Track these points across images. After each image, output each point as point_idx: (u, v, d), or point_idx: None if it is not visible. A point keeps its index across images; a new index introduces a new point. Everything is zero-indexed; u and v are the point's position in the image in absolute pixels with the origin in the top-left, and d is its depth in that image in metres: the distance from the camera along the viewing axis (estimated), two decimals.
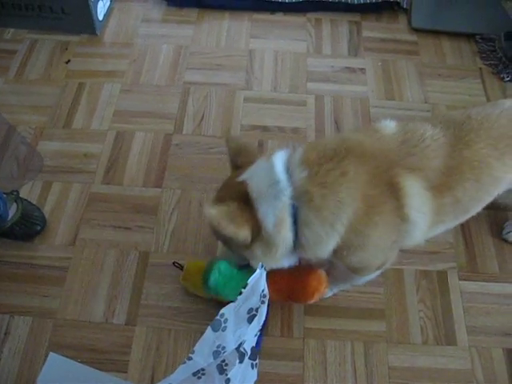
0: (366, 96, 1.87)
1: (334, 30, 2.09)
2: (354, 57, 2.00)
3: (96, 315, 1.38)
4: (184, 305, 1.41)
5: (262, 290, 0.94)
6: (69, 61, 1.95)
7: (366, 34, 2.08)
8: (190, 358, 0.91)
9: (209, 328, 0.92)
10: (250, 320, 0.94)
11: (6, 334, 1.36)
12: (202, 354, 0.92)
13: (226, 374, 0.93)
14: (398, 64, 1.98)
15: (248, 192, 1.02)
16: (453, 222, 1.24)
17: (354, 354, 1.35)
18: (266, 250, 1.05)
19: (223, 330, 0.93)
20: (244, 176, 1.05)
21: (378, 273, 1.28)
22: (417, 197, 1.04)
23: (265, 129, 1.74)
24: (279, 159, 1.04)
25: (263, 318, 0.94)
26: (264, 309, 0.94)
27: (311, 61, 1.97)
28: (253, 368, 0.90)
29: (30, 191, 1.60)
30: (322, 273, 1.31)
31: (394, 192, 1.02)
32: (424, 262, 1.49)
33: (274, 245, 1.04)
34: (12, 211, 1.48)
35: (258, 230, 1.02)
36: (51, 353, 1.02)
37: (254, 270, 1.08)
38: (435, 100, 1.87)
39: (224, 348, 0.94)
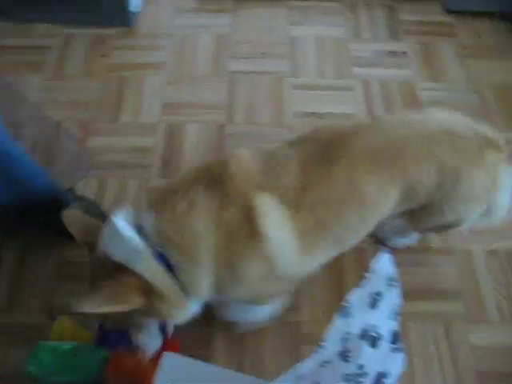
0: (411, 79, 1.86)
1: (370, 14, 2.07)
2: (394, 41, 1.98)
3: None
4: None
5: (389, 274, 0.92)
6: (105, 55, 1.91)
7: (402, 17, 2.07)
8: (321, 346, 0.89)
9: (336, 315, 0.91)
10: (372, 304, 0.92)
11: None
12: (332, 342, 0.91)
13: (348, 361, 0.92)
14: (438, 46, 1.97)
15: (116, 261, 0.94)
16: (332, 251, 1.11)
17: (435, 335, 1.34)
18: (164, 303, 0.98)
19: (349, 316, 0.92)
20: (102, 250, 0.96)
21: (277, 306, 1.25)
22: (272, 214, 0.97)
23: (317, 115, 1.72)
24: (120, 218, 0.96)
25: (394, 302, 0.93)
26: (394, 293, 0.93)
27: (353, 46, 1.95)
28: (394, 352, 0.88)
29: (84, 189, 1.57)
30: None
31: (248, 214, 0.96)
32: (491, 240, 1.49)
33: (165, 295, 0.96)
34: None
35: (148, 288, 0.94)
36: (165, 352, 1.00)
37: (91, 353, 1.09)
38: (479, 80, 1.87)
39: (349, 334, 0.92)
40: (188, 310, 1.03)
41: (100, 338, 1.17)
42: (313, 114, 1.72)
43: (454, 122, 1.10)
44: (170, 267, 0.94)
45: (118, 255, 0.93)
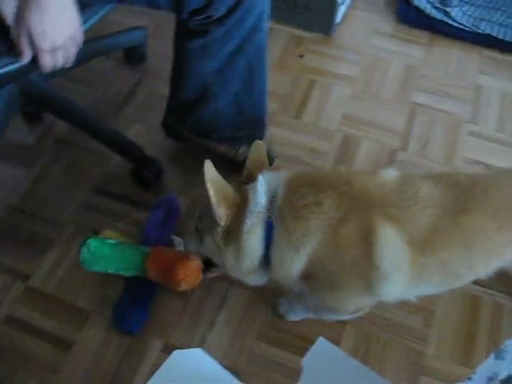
0: None
1: None
2: None
3: None
4: (395, 317, 1.46)
5: None
6: (302, 55, 2.05)
7: None
8: (470, 378, 0.97)
9: (492, 354, 0.98)
10: None
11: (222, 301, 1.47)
12: (480, 378, 0.98)
13: None
14: None
15: (246, 196, 1.07)
16: (443, 285, 1.17)
17: None
18: (236, 257, 1.09)
19: (502, 359, 0.99)
20: (248, 185, 1.10)
21: (350, 317, 1.29)
22: (391, 247, 1.01)
23: (488, 167, 1.77)
24: (272, 178, 1.08)
25: None
26: None
27: None
28: None
29: None
30: (192, 263, 1.28)
31: (366, 236, 1.00)
32: None
33: (244, 253, 1.07)
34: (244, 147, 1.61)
35: (234, 231, 1.07)
36: (320, 337, 1.09)
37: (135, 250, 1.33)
38: None
39: (496, 375, 0.99)
40: (248, 279, 1.17)
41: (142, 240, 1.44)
42: (482, 163, 1.77)
43: None
44: (269, 240, 1.05)
45: (250, 197, 1.07)
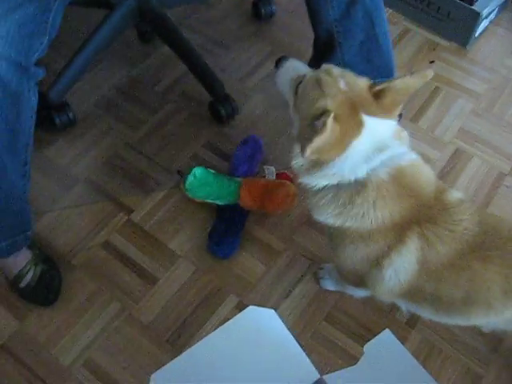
0: None
1: None
2: None
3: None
4: (463, 335, 1.46)
5: None
6: (433, 61, 2.04)
7: None
8: None
9: None
10: None
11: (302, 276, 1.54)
12: None
13: None
14: None
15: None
16: (434, 315, 1.19)
17: None
18: (313, 163, 1.06)
19: None
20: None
21: (361, 293, 1.34)
22: (404, 260, 1.04)
23: None
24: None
25: None
26: None
27: None
28: None
29: None
30: (291, 187, 1.50)
31: (396, 238, 1.03)
32: None
33: (319, 168, 1.05)
34: None
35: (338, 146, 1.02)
36: (387, 329, 1.13)
37: (230, 180, 1.51)
38: None
39: None
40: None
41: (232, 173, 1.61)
42: None
43: None
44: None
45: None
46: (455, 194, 1.10)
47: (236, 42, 2.08)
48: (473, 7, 1.98)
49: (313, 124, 0.97)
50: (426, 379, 1.09)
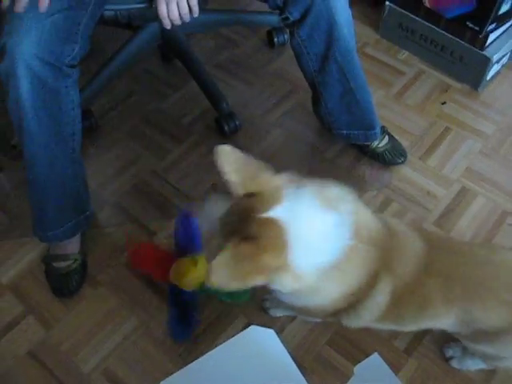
0: None
1: None
2: None
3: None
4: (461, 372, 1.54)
5: None
6: (445, 103, 2.15)
7: None
8: None
9: None
10: None
11: None
12: None
13: None
14: None
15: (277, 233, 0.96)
16: (389, 326, 1.27)
17: None
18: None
19: None
20: (277, 215, 0.97)
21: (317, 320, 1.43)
22: (378, 298, 1.11)
23: None
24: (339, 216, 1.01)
25: None
26: None
27: None
28: None
29: (373, 198, 1.86)
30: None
31: (371, 283, 1.08)
32: None
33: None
34: (384, 141, 1.89)
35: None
36: (375, 353, 1.23)
37: None
38: None
39: None
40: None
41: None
42: None
43: None
44: None
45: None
46: (394, 221, 1.18)
47: (258, 80, 2.22)
48: (484, 52, 2.09)
49: None
50: None
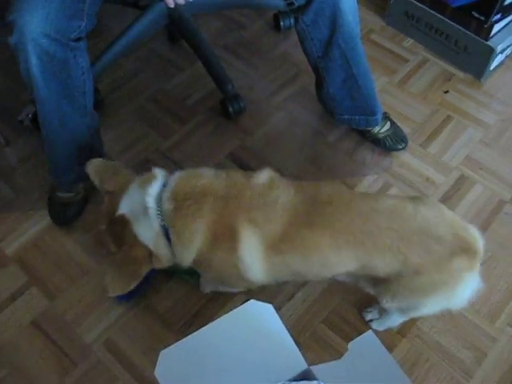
0: None
1: None
2: None
3: None
4: (450, 347, 1.57)
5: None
6: (447, 91, 2.17)
7: None
8: None
9: None
10: None
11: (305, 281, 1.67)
12: None
13: None
14: None
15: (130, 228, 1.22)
16: (295, 277, 1.37)
17: None
18: (159, 263, 1.25)
19: None
20: (122, 210, 1.23)
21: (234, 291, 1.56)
22: (249, 245, 1.18)
23: None
24: (152, 191, 1.20)
25: None
26: None
27: None
28: None
29: (373, 182, 1.89)
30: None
31: (233, 235, 1.17)
32: None
33: (162, 260, 1.25)
34: (386, 127, 1.92)
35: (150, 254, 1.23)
36: (370, 331, 1.25)
37: None
38: None
39: None
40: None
41: None
42: None
43: (437, 222, 1.20)
44: (169, 240, 1.21)
45: (134, 221, 1.22)
46: (262, 175, 1.24)
47: (264, 63, 2.24)
48: (488, 42, 2.10)
49: None
50: (400, 376, 1.23)
